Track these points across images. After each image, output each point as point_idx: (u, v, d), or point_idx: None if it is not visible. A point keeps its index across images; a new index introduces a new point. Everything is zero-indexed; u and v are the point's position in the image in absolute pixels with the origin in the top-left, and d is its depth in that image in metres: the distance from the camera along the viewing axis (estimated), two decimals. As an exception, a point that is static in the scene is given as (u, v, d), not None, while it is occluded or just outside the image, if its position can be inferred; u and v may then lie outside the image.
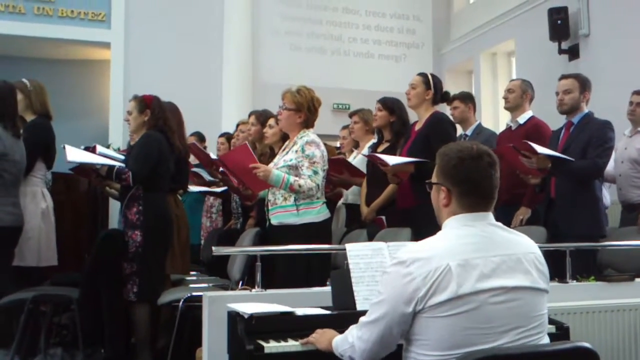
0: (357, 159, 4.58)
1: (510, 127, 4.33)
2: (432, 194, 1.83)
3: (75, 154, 3.63)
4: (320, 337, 1.97)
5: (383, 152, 4.07)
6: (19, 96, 3.96)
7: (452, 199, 1.75)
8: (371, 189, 4.15)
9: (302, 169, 3.37)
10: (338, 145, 5.51)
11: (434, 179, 1.82)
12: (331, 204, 4.17)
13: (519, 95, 4.24)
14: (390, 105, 4.23)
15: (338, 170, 4.24)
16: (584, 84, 3.70)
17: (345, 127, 5.17)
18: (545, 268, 1.77)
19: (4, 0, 7.25)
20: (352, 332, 1.79)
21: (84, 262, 3.77)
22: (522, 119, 4.21)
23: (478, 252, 1.66)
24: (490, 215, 1.78)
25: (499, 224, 1.78)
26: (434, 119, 3.70)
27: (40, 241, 3.93)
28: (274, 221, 3.44)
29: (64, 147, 3.66)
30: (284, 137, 3.83)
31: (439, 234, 1.76)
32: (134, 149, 3.86)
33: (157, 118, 3.88)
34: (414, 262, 1.64)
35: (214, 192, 5.13)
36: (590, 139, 3.56)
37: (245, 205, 4.53)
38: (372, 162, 3.91)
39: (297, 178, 3.34)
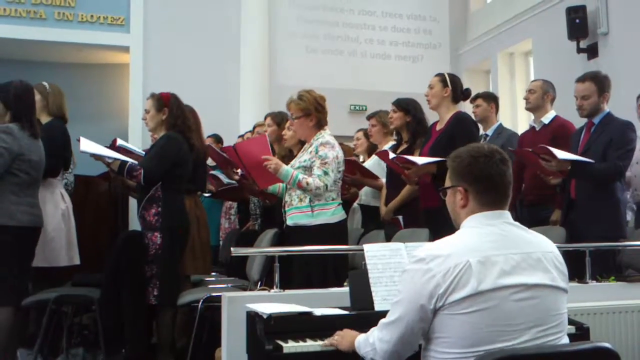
0: (371, 161, 4.57)
1: (534, 127, 4.28)
2: (447, 199, 1.83)
3: (88, 146, 3.61)
4: (342, 340, 1.97)
5: (402, 154, 4.06)
6: (37, 97, 3.97)
7: (469, 198, 1.76)
8: (391, 190, 4.15)
9: (313, 168, 3.40)
10: (352, 146, 5.51)
11: (447, 183, 1.82)
12: (346, 205, 4.18)
13: (540, 96, 4.20)
14: (404, 105, 4.22)
15: (350, 171, 4.26)
16: (602, 86, 3.60)
17: (359, 130, 5.17)
18: (564, 267, 1.76)
19: (26, 6, 7.38)
20: (374, 333, 1.79)
21: (105, 262, 3.79)
22: (546, 119, 4.17)
23: (498, 249, 1.67)
24: (507, 214, 1.77)
25: (516, 222, 1.78)
26: (457, 119, 3.63)
27: (61, 242, 3.96)
28: (290, 222, 3.47)
29: (78, 140, 3.65)
30: (303, 140, 3.84)
31: (458, 232, 1.76)
32: (152, 147, 3.85)
33: (176, 117, 3.85)
34: (434, 259, 1.65)
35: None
36: (611, 140, 3.49)
37: (265, 206, 4.54)
38: (394, 164, 3.87)
39: (306, 176, 3.36)
